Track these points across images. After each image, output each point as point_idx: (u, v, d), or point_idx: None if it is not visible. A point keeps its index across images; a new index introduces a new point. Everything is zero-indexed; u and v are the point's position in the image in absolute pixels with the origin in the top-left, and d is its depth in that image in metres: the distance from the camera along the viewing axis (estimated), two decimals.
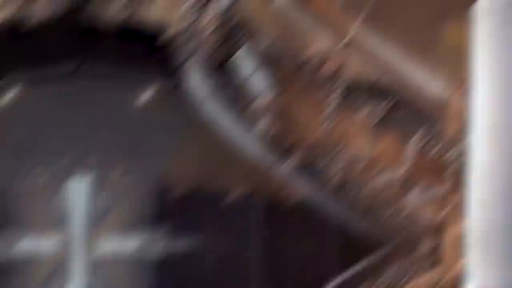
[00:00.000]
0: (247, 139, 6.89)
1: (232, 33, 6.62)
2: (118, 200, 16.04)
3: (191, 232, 16.89)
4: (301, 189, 7.25)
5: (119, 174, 15.38)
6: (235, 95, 6.72)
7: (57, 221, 10.17)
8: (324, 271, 7.88)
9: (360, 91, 6.97)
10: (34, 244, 10.85)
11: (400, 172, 6.97)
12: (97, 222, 15.78)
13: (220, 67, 6.63)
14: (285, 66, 6.84)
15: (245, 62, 6.71)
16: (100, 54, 15.08)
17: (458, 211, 7.13)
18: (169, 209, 16.82)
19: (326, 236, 17.58)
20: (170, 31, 15.41)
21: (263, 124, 6.69)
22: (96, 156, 15.65)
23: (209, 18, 6.53)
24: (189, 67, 6.70)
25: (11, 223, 9.12)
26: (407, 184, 7.34)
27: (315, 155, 6.90)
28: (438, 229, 7.25)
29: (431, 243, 7.28)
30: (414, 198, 7.26)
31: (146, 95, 16.35)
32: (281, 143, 6.73)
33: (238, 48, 6.67)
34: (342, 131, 6.85)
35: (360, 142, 6.90)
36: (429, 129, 7.07)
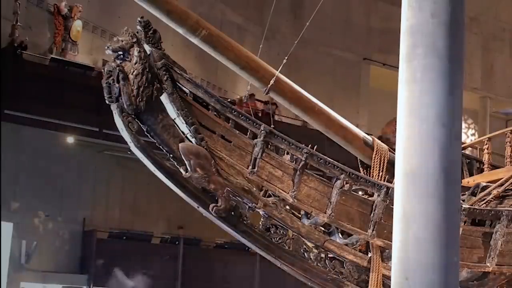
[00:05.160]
0: (171, 183, 6.80)
1: (156, 77, 6.57)
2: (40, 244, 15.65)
3: (114, 275, 16.61)
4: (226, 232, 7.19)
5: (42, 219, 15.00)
6: (160, 139, 6.64)
7: None
8: None
9: (284, 135, 7.00)
10: None
11: (324, 215, 7.00)
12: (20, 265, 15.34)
13: (145, 111, 6.55)
14: (209, 109, 6.82)
15: (169, 106, 6.66)
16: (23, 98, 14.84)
17: (382, 253, 7.21)
18: (93, 253, 16.55)
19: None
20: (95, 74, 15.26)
21: (187, 167, 6.62)
22: (20, 201, 15.30)
23: (133, 62, 6.47)
24: (113, 110, 6.59)
25: None
26: (331, 227, 7.39)
27: (239, 198, 6.86)
28: (363, 271, 7.29)
29: (356, 284, 7.31)
30: (339, 241, 7.29)
31: (69, 140, 16.12)
32: (206, 187, 6.66)
33: (162, 92, 6.62)
34: (266, 174, 6.85)
35: (284, 186, 6.91)
36: (352, 173, 7.15)
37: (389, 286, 5.68)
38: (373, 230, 7.15)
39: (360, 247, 7.36)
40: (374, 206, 7.19)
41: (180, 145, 6.64)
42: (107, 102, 6.58)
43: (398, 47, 5.36)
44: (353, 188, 7.20)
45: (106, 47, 6.58)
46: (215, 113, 6.84)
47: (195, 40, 7.13)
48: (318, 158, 7.01)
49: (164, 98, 6.67)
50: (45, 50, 16.56)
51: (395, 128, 5.43)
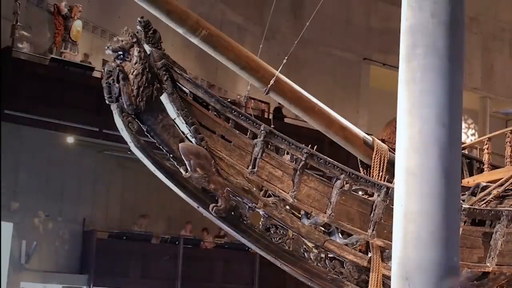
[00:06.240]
0: (171, 183, 6.80)
1: (156, 77, 6.57)
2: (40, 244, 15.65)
3: (113, 275, 16.61)
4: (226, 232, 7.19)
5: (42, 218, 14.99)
6: (160, 139, 6.64)
7: None
8: None
9: (284, 135, 7.00)
10: None
11: (324, 215, 7.00)
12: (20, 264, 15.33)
13: (145, 111, 6.56)
14: (209, 109, 6.82)
15: (169, 106, 6.67)
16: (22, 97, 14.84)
17: (382, 253, 7.21)
18: (93, 253, 16.55)
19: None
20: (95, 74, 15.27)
21: (187, 167, 6.62)
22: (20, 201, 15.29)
23: (133, 62, 6.48)
24: (113, 110, 6.60)
25: None
26: (331, 227, 7.39)
27: (239, 198, 6.86)
28: (363, 271, 7.30)
29: (356, 284, 7.31)
30: (339, 241, 7.29)
31: (69, 140, 16.12)
32: (206, 187, 6.66)
33: (162, 92, 6.62)
34: (266, 174, 6.85)
35: (284, 186, 6.91)
36: (352, 173, 7.15)
37: (389, 286, 5.69)
38: (373, 230, 7.15)
39: (360, 247, 7.35)
40: (374, 206, 7.19)
41: (180, 145, 6.64)
42: (107, 102, 6.58)
43: (398, 47, 5.36)
44: (353, 188, 7.20)
45: (106, 47, 6.58)
46: (215, 113, 6.84)
47: (195, 40, 7.13)
48: (318, 158, 7.01)
49: (164, 98, 6.67)
50: (45, 50, 16.55)
51: (395, 128, 5.43)
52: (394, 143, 5.55)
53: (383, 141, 8.20)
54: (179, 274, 17.15)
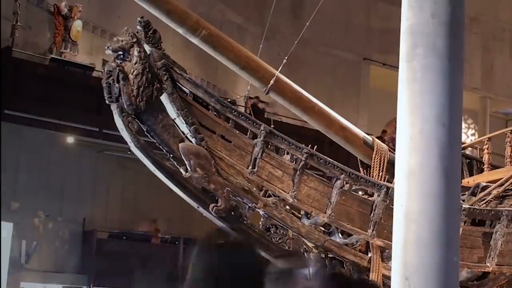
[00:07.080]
0: (171, 183, 6.80)
1: (156, 77, 6.57)
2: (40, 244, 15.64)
3: (114, 275, 16.61)
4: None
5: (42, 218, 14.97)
6: (160, 139, 6.64)
7: None
8: None
9: (284, 135, 7.01)
10: None
11: (324, 215, 7.00)
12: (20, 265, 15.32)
13: (145, 111, 6.56)
14: (209, 109, 6.82)
15: (169, 106, 6.67)
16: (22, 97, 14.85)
17: (382, 253, 7.21)
18: (93, 253, 16.54)
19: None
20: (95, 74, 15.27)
21: (187, 167, 6.62)
22: (20, 201, 15.28)
23: (133, 62, 6.48)
24: (113, 110, 6.60)
25: None
26: (331, 227, 7.39)
27: (239, 198, 6.86)
28: (363, 271, 7.29)
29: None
30: (339, 241, 7.30)
31: (69, 140, 16.12)
32: (206, 187, 6.66)
33: (162, 92, 6.62)
34: (266, 174, 6.85)
35: (284, 186, 6.91)
36: (352, 173, 7.15)
37: (389, 286, 5.68)
38: (373, 230, 7.15)
39: (360, 247, 7.35)
40: (374, 206, 7.19)
41: (180, 145, 6.64)
42: (107, 102, 6.58)
43: (398, 47, 5.35)
44: (353, 188, 7.20)
45: (106, 47, 6.59)
46: (215, 113, 6.85)
47: (195, 40, 7.13)
48: (318, 158, 7.02)
49: (164, 98, 6.68)
50: (45, 50, 16.56)
51: (395, 128, 5.43)
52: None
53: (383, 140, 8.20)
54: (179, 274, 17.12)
